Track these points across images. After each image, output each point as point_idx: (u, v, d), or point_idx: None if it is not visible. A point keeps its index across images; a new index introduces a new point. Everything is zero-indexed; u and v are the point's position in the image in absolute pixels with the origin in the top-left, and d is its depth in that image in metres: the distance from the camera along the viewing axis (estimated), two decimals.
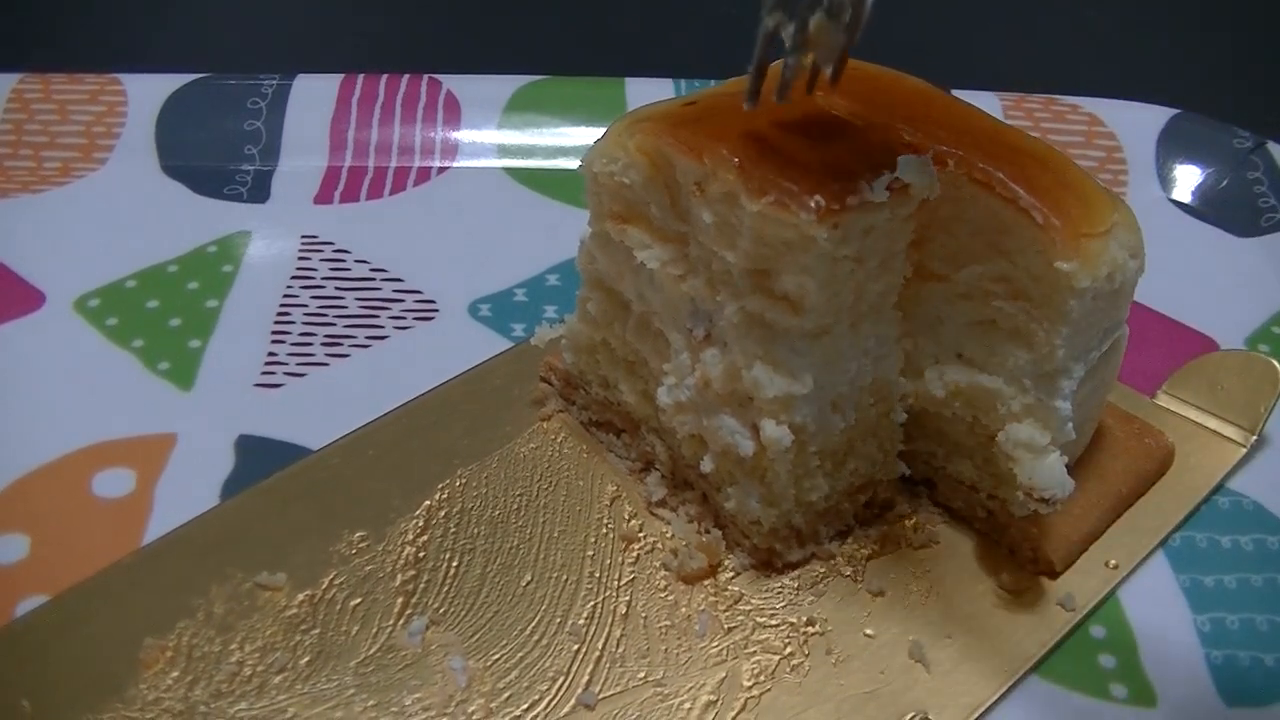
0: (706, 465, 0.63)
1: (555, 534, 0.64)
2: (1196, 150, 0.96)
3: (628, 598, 0.61)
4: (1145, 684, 0.60)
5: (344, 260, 0.84)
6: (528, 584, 0.62)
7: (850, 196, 0.54)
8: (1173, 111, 0.99)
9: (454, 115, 0.97)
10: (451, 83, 0.99)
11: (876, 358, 0.62)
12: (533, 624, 0.60)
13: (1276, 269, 0.87)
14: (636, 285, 0.63)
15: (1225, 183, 0.94)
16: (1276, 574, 0.65)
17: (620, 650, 0.59)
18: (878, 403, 0.63)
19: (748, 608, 0.61)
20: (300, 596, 0.61)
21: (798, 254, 0.55)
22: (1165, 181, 0.95)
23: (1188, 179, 0.95)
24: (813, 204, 0.53)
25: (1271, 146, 0.95)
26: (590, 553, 0.64)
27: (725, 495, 0.63)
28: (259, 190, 0.91)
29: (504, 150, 0.96)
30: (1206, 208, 0.94)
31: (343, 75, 0.99)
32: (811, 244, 0.54)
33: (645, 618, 0.61)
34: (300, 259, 0.84)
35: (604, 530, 0.65)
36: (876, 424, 0.64)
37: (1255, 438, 0.71)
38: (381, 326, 0.79)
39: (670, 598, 0.62)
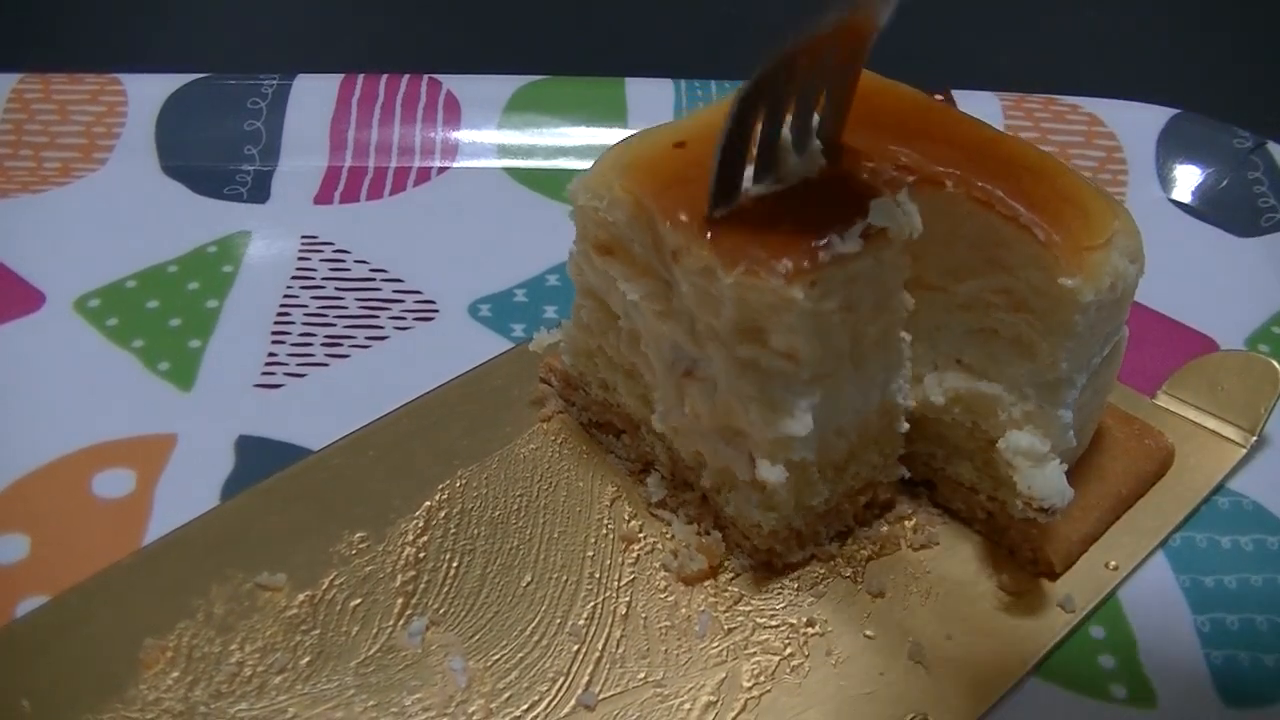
0: (706, 480, 0.63)
1: (555, 535, 0.64)
2: (1196, 150, 0.96)
3: (628, 598, 0.61)
4: (1145, 684, 0.60)
5: (344, 260, 0.84)
6: (528, 585, 0.62)
7: (822, 253, 0.53)
8: (1173, 111, 0.98)
9: (454, 115, 0.97)
10: (451, 83, 0.99)
11: (884, 383, 0.61)
12: (533, 624, 0.60)
13: (1276, 269, 0.87)
14: (623, 305, 0.63)
15: (1225, 183, 0.94)
16: (1276, 574, 0.65)
17: (620, 651, 0.59)
18: (883, 416, 0.63)
19: (748, 608, 0.61)
20: (300, 597, 0.61)
21: (782, 314, 0.54)
22: (1165, 181, 0.95)
23: (1188, 179, 0.95)
24: (781, 269, 0.53)
25: (1271, 146, 0.95)
26: (590, 553, 0.64)
27: (725, 500, 0.63)
28: (259, 190, 0.91)
29: (504, 150, 0.96)
30: (1206, 208, 0.93)
31: (343, 75, 0.99)
32: (792, 304, 0.53)
33: (645, 618, 0.61)
34: (300, 259, 0.84)
35: (604, 531, 0.65)
36: (880, 435, 0.64)
37: (1255, 438, 0.71)
38: (381, 327, 0.79)
39: (670, 598, 0.62)
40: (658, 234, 0.58)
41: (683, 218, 0.56)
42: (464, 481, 0.67)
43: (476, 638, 0.59)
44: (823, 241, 0.53)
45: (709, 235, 0.55)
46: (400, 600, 0.61)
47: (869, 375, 0.60)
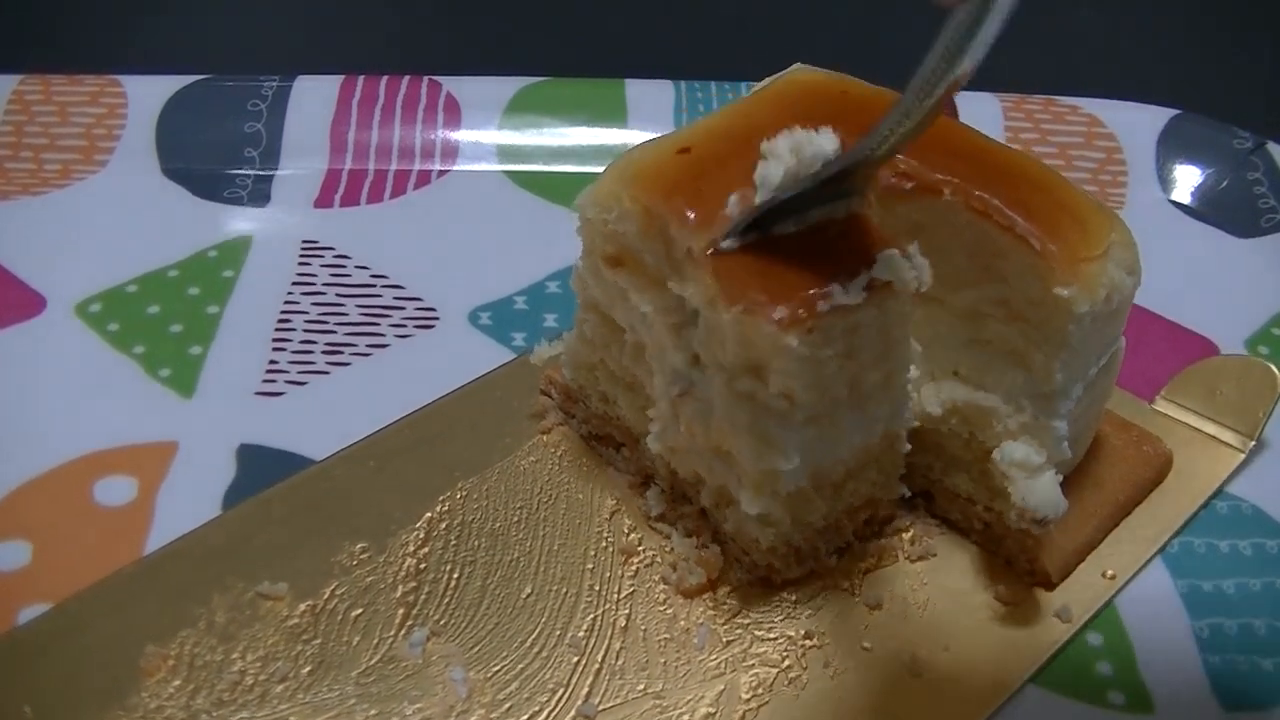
0: (706, 498, 0.63)
1: (555, 547, 0.65)
2: (1196, 151, 0.96)
3: (627, 610, 0.62)
4: (1143, 691, 0.60)
5: (344, 266, 0.84)
6: (528, 596, 0.62)
7: (820, 302, 0.53)
8: (1173, 112, 0.98)
9: (454, 117, 0.96)
10: (451, 84, 0.98)
11: (888, 419, 0.61)
12: (533, 636, 0.60)
13: (1276, 270, 0.87)
14: (629, 318, 0.63)
15: (1225, 183, 0.94)
16: (1275, 578, 0.66)
17: (619, 663, 0.59)
18: (883, 440, 0.62)
19: (746, 621, 0.61)
20: (301, 606, 0.61)
21: (779, 357, 0.54)
22: (1165, 182, 0.95)
23: (1188, 180, 0.95)
24: (776, 315, 0.53)
25: (1271, 147, 0.94)
26: (590, 566, 0.64)
27: (724, 516, 0.63)
28: (259, 194, 0.91)
29: (504, 153, 0.95)
30: (1206, 208, 0.93)
31: (343, 77, 0.98)
32: (788, 350, 0.53)
33: (644, 630, 0.61)
34: (301, 264, 0.84)
35: (604, 544, 0.65)
36: (881, 455, 0.63)
37: (1254, 443, 0.71)
38: (382, 334, 0.79)
39: (669, 611, 0.62)
40: (669, 240, 0.58)
41: (692, 216, 0.56)
42: (464, 493, 0.67)
43: (477, 649, 0.60)
44: (824, 290, 0.53)
45: (715, 267, 0.55)
46: (401, 611, 0.61)
47: (869, 415, 0.60)
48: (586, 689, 0.58)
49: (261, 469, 0.69)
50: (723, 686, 0.58)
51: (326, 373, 0.76)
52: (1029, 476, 0.59)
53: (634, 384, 0.66)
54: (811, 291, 0.53)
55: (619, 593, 0.62)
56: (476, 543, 0.64)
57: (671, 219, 0.56)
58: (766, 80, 0.66)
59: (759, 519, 0.60)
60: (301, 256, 0.85)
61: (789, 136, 0.55)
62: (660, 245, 0.58)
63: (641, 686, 0.58)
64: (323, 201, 0.90)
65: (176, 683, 0.57)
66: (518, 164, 0.95)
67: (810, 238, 0.55)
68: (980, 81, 0.96)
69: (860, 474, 0.63)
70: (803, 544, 0.63)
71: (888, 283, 0.54)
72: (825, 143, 0.55)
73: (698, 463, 0.62)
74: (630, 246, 0.60)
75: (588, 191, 0.61)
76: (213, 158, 0.93)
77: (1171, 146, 0.97)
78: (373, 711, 0.57)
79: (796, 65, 0.67)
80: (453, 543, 0.64)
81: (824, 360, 0.55)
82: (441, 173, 0.94)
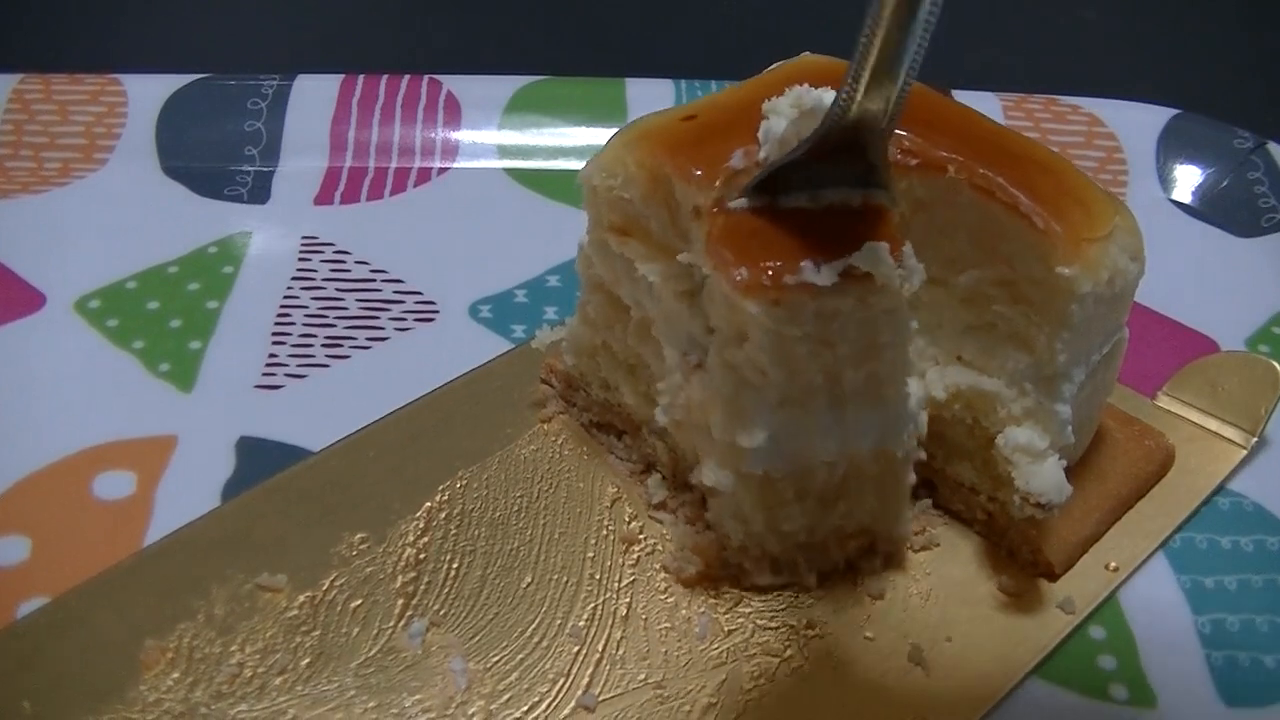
0: (696, 477, 0.62)
1: (556, 536, 0.64)
2: (1196, 150, 0.96)
3: (628, 600, 0.62)
4: (1145, 685, 0.60)
5: (344, 261, 0.84)
6: (528, 586, 0.62)
7: (787, 276, 0.52)
8: (1173, 111, 0.98)
9: (454, 116, 0.97)
10: (452, 83, 0.99)
11: (879, 429, 0.59)
12: (533, 626, 0.60)
13: (1276, 269, 0.87)
14: (634, 293, 0.62)
15: (1225, 183, 0.94)
16: (1277, 575, 0.65)
17: (620, 652, 0.59)
18: (878, 461, 0.61)
19: (748, 610, 0.61)
20: (301, 598, 0.61)
21: (751, 326, 0.53)
22: (1165, 182, 0.95)
23: (1188, 179, 0.95)
24: (737, 277, 0.52)
25: (1271, 146, 0.95)
26: (591, 554, 0.64)
27: (709, 506, 0.63)
28: (259, 191, 0.91)
29: (504, 151, 0.95)
30: (1207, 208, 0.93)
31: (343, 76, 0.98)
32: (751, 317, 0.52)
33: (645, 620, 0.61)
34: (300, 260, 0.84)
35: (604, 532, 0.65)
36: (878, 478, 0.61)
37: (1255, 439, 0.71)
38: (382, 328, 0.79)
39: (670, 600, 0.62)
40: (674, 205, 0.58)
41: (698, 173, 0.56)
42: (464, 482, 0.67)
43: (477, 639, 0.59)
44: (794, 265, 0.52)
45: (712, 224, 0.54)
46: (401, 601, 0.61)
47: (852, 417, 0.58)
48: (587, 679, 0.58)
49: (261, 462, 0.69)
50: (724, 676, 0.58)
51: (326, 366, 0.76)
52: (1033, 461, 0.59)
53: (636, 367, 0.66)
54: (780, 263, 0.52)
55: (620, 581, 0.62)
56: (476, 532, 0.64)
57: (676, 176, 0.56)
58: (774, 65, 0.66)
59: (735, 513, 0.60)
60: (301, 252, 0.85)
61: (791, 93, 0.55)
62: (665, 211, 0.58)
63: (643, 676, 0.58)
64: (323, 199, 0.91)
65: (175, 675, 0.57)
66: (518, 161, 0.95)
67: (816, 215, 0.55)
68: (981, 81, 0.97)
69: (853, 494, 0.61)
70: (779, 553, 0.62)
71: (867, 274, 0.53)
72: (826, 96, 0.54)
73: (695, 436, 0.62)
74: (636, 214, 0.60)
75: (593, 159, 0.61)
76: (213, 156, 0.93)
77: (1172, 146, 0.97)
78: (372, 703, 0.57)
79: (805, 54, 0.67)
80: (452, 532, 0.64)
81: (794, 339, 0.54)
82: (442, 170, 0.94)
